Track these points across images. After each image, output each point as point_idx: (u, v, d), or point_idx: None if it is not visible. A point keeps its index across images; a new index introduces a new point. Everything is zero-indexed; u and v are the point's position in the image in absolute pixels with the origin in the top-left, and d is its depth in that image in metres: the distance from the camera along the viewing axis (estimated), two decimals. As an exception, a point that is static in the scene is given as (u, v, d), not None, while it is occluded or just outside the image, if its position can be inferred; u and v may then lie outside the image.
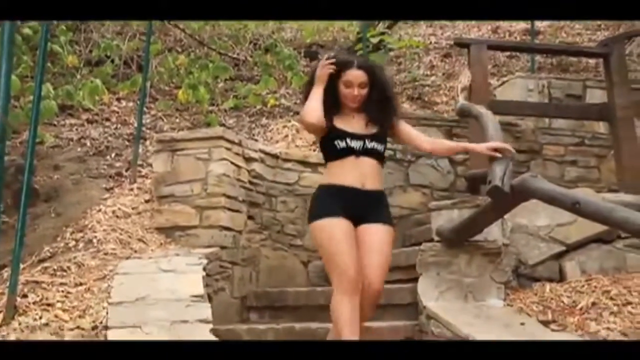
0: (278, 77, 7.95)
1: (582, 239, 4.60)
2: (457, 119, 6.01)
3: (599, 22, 9.53)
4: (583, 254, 4.61)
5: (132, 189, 5.50)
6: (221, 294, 4.83)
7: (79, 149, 6.15)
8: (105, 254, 4.56)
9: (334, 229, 3.16)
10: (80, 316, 3.72)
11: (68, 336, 3.48)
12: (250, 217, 5.33)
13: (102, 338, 3.49)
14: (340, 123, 3.34)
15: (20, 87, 5.49)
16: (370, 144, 3.30)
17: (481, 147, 3.44)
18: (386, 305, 4.34)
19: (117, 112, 7.02)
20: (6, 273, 4.17)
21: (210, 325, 3.69)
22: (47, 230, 4.95)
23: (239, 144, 5.27)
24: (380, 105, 3.36)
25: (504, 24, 9.92)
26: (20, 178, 4.65)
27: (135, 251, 4.69)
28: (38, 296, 3.90)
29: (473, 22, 10.03)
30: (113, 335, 3.51)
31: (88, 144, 6.26)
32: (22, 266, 4.17)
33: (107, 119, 6.87)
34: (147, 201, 5.28)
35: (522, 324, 3.88)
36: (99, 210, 5.14)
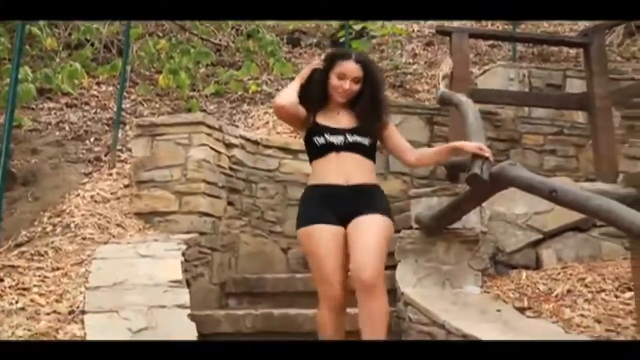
0: (260, 63, 7.90)
1: (559, 227, 4.65)
2: (438, 107, 6.03)
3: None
4: (559, 242, 4.66)
5: (111, 174, 5.46)
6: (200, 280, 4.82)
7: (57, 133, 6.10)
8: (83, 238, 4.54)
9: (317, 239, 2.98)
10: (57, 300, 3.70)
11: (44, 320, 3.46)
12: (230, 203, 5.32)
13: (78, 323, 3.47)
14: (322, 119, 3.16)
15: (-3, 70, 5.43)
16: (352, 138, 3.09)
17: (471, 145, 3.22)
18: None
19: (97, 97, 6.96)
20: (-18, 257, 4.13)
21: (188, 311, 3.69)
22: (24, 215, 4.91)
23: (220, 130, 5.25)
24: (370, 105, 3.15)
25: (486, 13, 9.92)
26: (-4, 162, 4.59)
27: (114, 236, 4.66)
28: (14, 280, 3.87)
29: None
30: (90, 320, 3.50)
31: (67, 128, 6.21)
32: (-2, 250, 4.14)
33: (87, 103, 6.80)
34: (126, 186, 5.25)
35: (499, 310, 3.92)
36: (77, 195, 5.11)
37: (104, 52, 7.70)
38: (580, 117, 6.78)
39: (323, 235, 2.99)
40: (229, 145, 5.36)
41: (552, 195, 2.97)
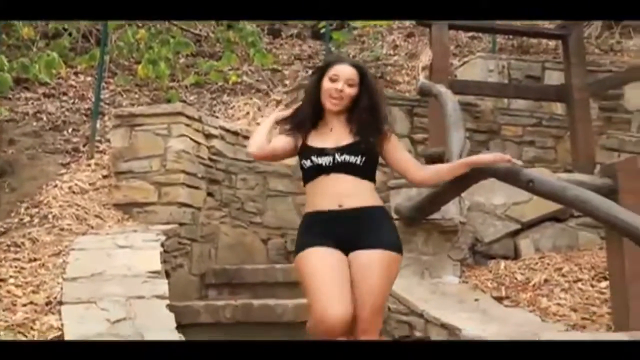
0: (240, 53, 7.86)
1: (537, 217, 4.69)
2: (419, 98, 6.04)
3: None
4: (537, 232, 4.71)
5: (89, 165, 5.42)
6: (180, 271, 4.81)
7: (34, 124, 6.03)
8: (61, 229, 4.50)
9: (313, 260, 2.61)
10: (33, 292, 3.67)
11: (21, 312, 3.43)
12: (209, 194, 5.30)
13: (55, 314, 3.45)
14: (313, 139, 2.81)
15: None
16: (340, 157, 2.72)
17: (488, 157, 3.03)
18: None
19: (75, 87, 6.88)
20: (-42, 248, 4.09)
21: (167, 301, 3.68)
22: (1, 206, 4.86)
23: (199, 121, 5.22)
24: (368, 115, 2.79)
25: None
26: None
27: (92, 227, 4.63)
28: (-10, 272, 3.84)
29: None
30: (67, 311, 3.47)
31: (44, 118, 6.14)
32: (-26, 241, 4.10)
33: (65, 93, 6.73)
34: (104, 177, 5.21)
35: (476, 300, 3.96)
36: (55, 186, 5.07)
37: (82, 42, 7.61)
38: (559, 108, 6.82)
39: (321, 254, 2.62)
40: (208, 136, 5.33)
41: (529, 186, 3.01)
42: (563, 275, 4.17)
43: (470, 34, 8.81)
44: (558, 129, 6.72)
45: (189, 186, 4.98)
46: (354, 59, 3.01)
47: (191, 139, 5.05)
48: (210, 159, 5.34)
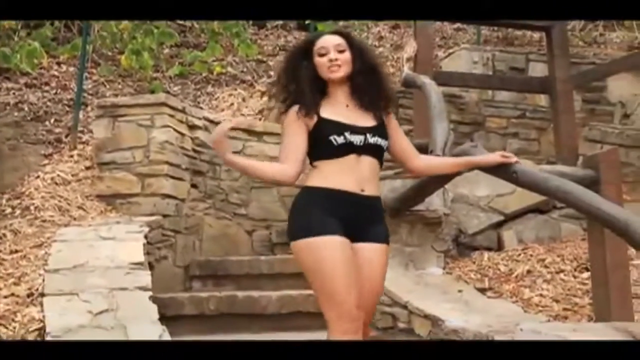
0: (225, 44, 7.83)
1: (520, 209, 4.72)
2: (403, 89, 6.03)
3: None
4: (520, 223, 4.74)
5: (72, 156, 5.37)
6: (164, 263, 4.79)
7: (16, 114, 5.96)
8: (43, 221, 4.47)
9: (330, 251, 2.45)
10: (15, 283, 3.64)
11: (2, 304, 3.40)
12: (193, 186, 5.28)
13: (37, 305, 3.42)
14: (330, 113, 2.60)
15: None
16: (372, 139, 2.57)
17: (494, 157, 2.94)
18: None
19: (57, 77, 6.81)
20: (-62, 240, 4.04)
21: (150, 293, 3.66)
22: (-19, 197, 4.81)
23: (183, 111, 5.19)
24: (367, 77, 2.65)
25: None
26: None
27: (75, 219, 4.60)
28: (-29, 264, 3.80)
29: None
30: (49, 302, 3.45)
31: (26, 108, 6.07)
32: (-46, 233, 4.06)
33: (47, 84, 6.66)
34: (87, 168, 5.18)
35: (460, 291, 3.98)
36: (37, 177, 5.03)
37: (65, 32, 7.53)
38: (542, 100, 6.86)
39: (337, 244, 2.47)
40: (192, 127, 5.30)
41: (512, 177, 3.01)
42: (546, 267, 4.20)
43: (455, 25, 8.83)
44: (542, 121, 6.77)
45: (172, 177, 4.95)
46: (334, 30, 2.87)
47: (175, 130, 5.02)
48: (194, 150, 5.31)
